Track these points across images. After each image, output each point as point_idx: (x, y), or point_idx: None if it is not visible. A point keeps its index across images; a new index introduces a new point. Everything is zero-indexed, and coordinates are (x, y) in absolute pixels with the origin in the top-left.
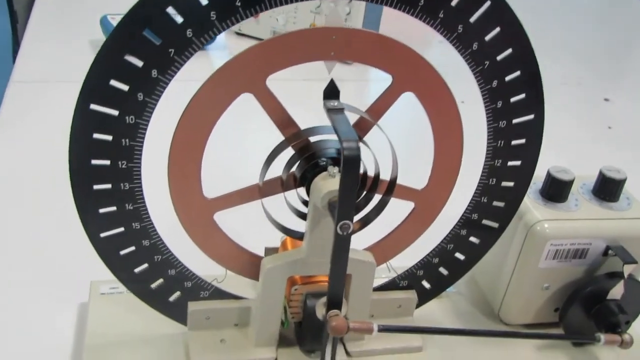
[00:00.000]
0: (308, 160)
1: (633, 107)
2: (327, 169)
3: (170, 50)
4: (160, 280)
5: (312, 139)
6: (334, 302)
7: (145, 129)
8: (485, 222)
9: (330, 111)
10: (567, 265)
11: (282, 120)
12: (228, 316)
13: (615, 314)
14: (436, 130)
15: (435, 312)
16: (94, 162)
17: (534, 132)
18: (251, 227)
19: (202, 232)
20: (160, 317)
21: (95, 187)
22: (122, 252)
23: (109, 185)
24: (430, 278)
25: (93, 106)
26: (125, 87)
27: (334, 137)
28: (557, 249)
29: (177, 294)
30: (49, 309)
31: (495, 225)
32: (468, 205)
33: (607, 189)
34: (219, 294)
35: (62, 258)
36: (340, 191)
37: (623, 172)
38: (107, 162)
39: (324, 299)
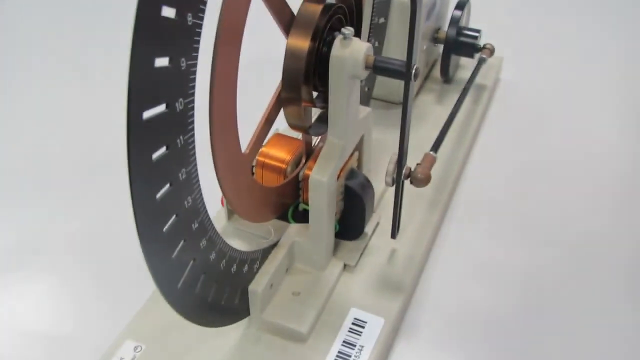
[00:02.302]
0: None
1: None
2: (342, 33)
3: None
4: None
5: None
6: (404, 157)
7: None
8: None
9: None
10: None
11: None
12: (282, 267)
13: (474, 37)
14: None
15: None
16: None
17: None
18: None
19: (246, 196)
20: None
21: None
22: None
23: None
24: None
25: None
26: None
27: None
28: None
29: (240, 288)
30: None
31: None
32: None
33: None
34: (267, 252)
35: None
36: (411, 35)
37: None
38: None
39: (390, 166)
